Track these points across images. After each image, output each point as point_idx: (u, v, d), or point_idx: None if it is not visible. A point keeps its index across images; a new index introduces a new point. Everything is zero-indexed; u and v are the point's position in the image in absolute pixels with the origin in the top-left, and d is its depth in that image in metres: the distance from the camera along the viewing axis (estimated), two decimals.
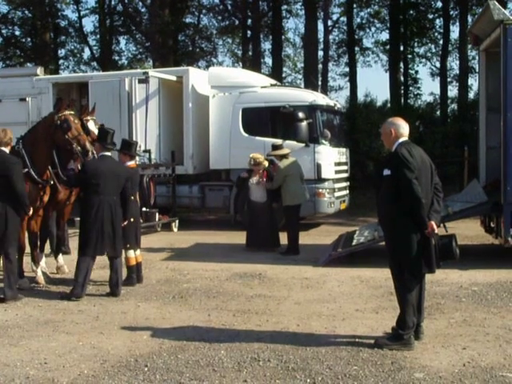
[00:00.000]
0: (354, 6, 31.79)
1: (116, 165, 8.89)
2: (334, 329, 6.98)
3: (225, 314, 7.71)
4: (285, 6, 32.64)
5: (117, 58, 37.17)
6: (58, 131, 8.97)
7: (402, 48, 29.76)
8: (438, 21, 31.12)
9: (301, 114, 14.93)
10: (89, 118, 10.03)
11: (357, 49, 33.49)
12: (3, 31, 36.48)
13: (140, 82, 15.78)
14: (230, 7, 33.34)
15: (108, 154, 8.82)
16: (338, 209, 16.02)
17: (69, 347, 6.45)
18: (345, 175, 16.76)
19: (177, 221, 15.93)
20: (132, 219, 9.12)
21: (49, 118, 9.31)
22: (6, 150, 8.56)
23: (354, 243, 11.28)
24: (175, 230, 15.80)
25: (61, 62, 37.51)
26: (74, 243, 9.50)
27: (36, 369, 5.83)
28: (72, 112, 9.16)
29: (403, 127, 6.34)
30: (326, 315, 7.58)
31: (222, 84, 15.91)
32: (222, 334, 6.85)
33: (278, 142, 13.07)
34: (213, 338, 6.65)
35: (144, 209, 13.86)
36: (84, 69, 37.85)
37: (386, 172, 6.22)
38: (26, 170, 9.09)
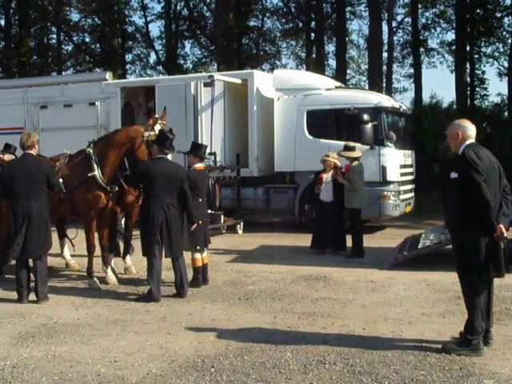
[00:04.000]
0: (419, 6, 31.35)
1: (171, 167, 8.81)
2: (401, 333, 6.92)
3: (290, 316, 7.73)
4: (349, 8, 32.51)
5: (182, 61, 37.69)
6: (145, 147, 9.20)
7: (468, 48, 29.16)
8: (506, 19, 30.39)
9: (366, 116, 14.83)
10: (159, 122, 10.14)
11: (422, 49, 33.01)
12: (74, 38, 37.58)
13: (205, 85, 15.92)
14: (293, 10, 33.43)
15: (165, 156, 8.85)
16: (403, 211, 15.83)
17: (137, 346, 6.58)
18: (410, 178, 16.56)
19: (242, 223, 16.02)
20: (201, 221, 9.21)
21: (129, 132, 9.51)
22: (32, 152, 8.85)
23: (419, 246, 11.15)
24: (240, 232, 15.90)
25: (128, 66, 38.35)
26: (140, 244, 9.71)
27: (106, 367, 5.98)
28: (153, 133, 9.26)
29: (470, 129, 6.24)
30: (392, 319, 7.52)
31: (287, 86, 15.93)
32: (287, 336, 6.86)
33: (351, 143, 12.94)
34: (279, 340, 6.67)
35: (209, 211, 13.97)
36: (150, 73, 38.62)
37: (453, 175, 6.13)
38: (93, 173, 9.33)
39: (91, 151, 9.51)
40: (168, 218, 8.53)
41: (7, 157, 11.97)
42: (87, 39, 38.27)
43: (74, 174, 9.58)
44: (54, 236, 11.34)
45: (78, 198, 9.54)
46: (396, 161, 15.31)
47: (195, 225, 8.93)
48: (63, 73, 36.65)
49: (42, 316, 7.90)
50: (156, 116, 10.16)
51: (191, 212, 8.86)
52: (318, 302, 8.48)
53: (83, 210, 9.62)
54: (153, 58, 38.89)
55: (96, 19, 36.41)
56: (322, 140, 15.16)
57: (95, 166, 9.41)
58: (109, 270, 9.86)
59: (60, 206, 9.71)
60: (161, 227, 8.50)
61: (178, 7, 36.37)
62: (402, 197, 15.58)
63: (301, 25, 33.30)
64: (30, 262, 8.78)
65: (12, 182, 8.54)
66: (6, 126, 18.39)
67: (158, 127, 9.65)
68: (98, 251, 9.88)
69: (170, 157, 9.02)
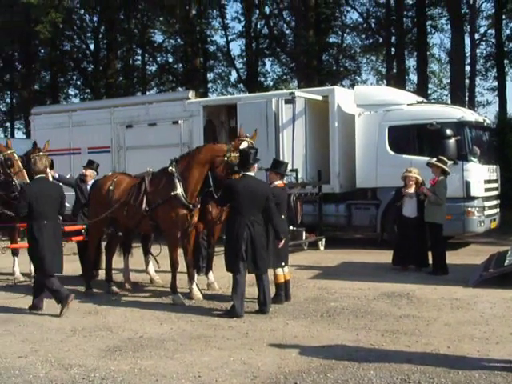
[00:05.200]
0: (503, 17, 30.63)
1: (255, 184, 8.88)
2: (488, 352, 6.77)
3: (373, 333, 7.68)
4: (429, 22, 32.09)
5: (262, 79, 38.12)
6: (223, 167, 9.32)
7: None
8: None
9: (449, 131, 14.58)
10: (246, 140, 10.23)
11: (506, 61, 32.18)
12: (158, 59, 38.59)
13: (286, 102, 16.03)
14: (373, 25, 33.26)
15: (250, 173, 8.95)
16: (488, 228, 15.44)
17: (221, 362, 6.67)
18: (495, 193, 16.15)
19: (323, 239, 15.99)
20: (284, 238, 9.27)
21: (211, 151, 9.63)
22: (45, 175, 9.45)
23: (506, 263, 10.84)
24: (322, 248, 15.86)
25: (209, 85, 38.99)
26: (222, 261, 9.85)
27: (191, 382, 6.09)
28: (234, 154, 9.37)
29: None
30: (479, 338, 7.36)
31: (368, 102, 15.87)
32: (370, 353, 6.82)
33: (444, 158, 12.68)
34: (362, 357, 6.64)
35: (291, 227, 14.02)
36: (231, 91, 39.20)
37: None
38: (176, 192, 9.49)
39: (173, 169, 9.70)
40: (252, 235, 8.60)
41: (89, 172, 12.52)
42: (170, 59, 39.37)
43: (157, 192, 9.79)
44: (139, 252, 11.72)
45: (162, 216, 9.72)
46: (480, 176, 14.98)
47: (283, 241, 8.99)
48: (147, 93, 37.72)
49: (128, 330, 8.12)
50: (247, 135, 10.28)
51: (278, 229, 8.93)
52: (402, 319, 8.39)
53: (166, 227, 9.79)
54: (234, 76, 39.58)
55: (179, 40, 37.37)
56: (404, 156, 15.00)
57: (178, 184, 9.59)
58: (193, 286, 10.01)
59: (143, 223, 9.96)
60: (245, 244, 8.59)
61: (259, 26, 36.90)
62: (487, 212, 15.21)
63: (381, 40, 33.10)
64: None
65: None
66: (93, 145, 19.11)
67: (244, 144, 9.77)
68: (181, 267, 10.06)
69: (253, 172, 9.13)
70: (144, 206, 9.78)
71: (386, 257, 13.12)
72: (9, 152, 11.45)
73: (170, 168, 9.73)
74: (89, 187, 12.18)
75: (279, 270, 9.45)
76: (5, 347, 7.47)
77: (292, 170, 15.04)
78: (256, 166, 9.29)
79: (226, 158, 9.34)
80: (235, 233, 8.63)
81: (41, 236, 8.83)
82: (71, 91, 42.95)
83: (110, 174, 11.57)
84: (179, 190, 9.54)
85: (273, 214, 8.86)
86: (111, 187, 10.31)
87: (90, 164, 12.81)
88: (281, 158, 14.55)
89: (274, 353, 6.95)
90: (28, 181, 11.31)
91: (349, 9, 34.38)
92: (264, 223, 8.82)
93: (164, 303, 9.78)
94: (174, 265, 9.79)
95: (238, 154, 9.31)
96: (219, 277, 10.81)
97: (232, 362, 6.68)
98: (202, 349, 7.19)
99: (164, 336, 7.79)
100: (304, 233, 15.32)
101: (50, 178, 10.81)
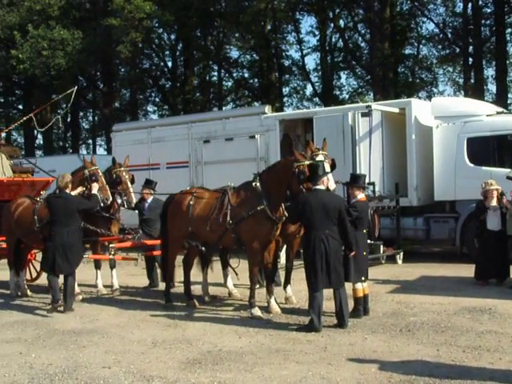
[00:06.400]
0: None
1: (328, 198, 8.89)
2: None
3: (454, 349, 7.55)
4: (509, 30, 31.34)
5: (338, 92, 38.06)
6: (295, 179, 9.31)
7: None
8: None
9: None
10: (319, 153, 10.24)
11: None
12: (234, 74, 39.10)
13: (363, 115, 15.94)
14: (450, 35, 32.73)
15: (320, 187, 8.94)
16: None
17: (299, 376, 6.68)
18: None
19: (401, 253, 15.80)
20: (364, 252, 9.24)
21: (288, 163, 9.61)
22: (67, 191, 10.69)
23: None
24: (400, 262, 15.68)
25: (285, 99, 39.18)
26: (299, 275, 9.88)
27: None
28: (305, 162, 9.36)
29: None
30: None
31: (446, 114, 15.63)
32: (452, 370, 6.70)
33: None
34: (443, 373, 6.54)
35: (368, 241, 13.91)
36: (307, 105, 39.32)
37: None
38: (262, 207, 9.58)
39: (258, 184, 9.78)
40: (327, 249, 8.61)
41: (146, 191, 12.96)
42: (246, 74, 39.81)
43: (242, 206, 9.86)
44: (217, 266, 11.85)
45: (245, 229, 9.77)
46: None
47: (353, 252, 8.96)
48: (224, 108, 38.21)
49: (207, 343, 8.23)
50: (317, 147, 10.30)
51: (350, 241, 8.91)
52: (484, 335, 8.21)
53: (249, 241, 9.81)
54: (309, 89, 39.69)
55: (254, 55, 37.74)
56: (484, 167, 14.70)
57: (263, 198, 9.67)
58: (272, 300, 10.06)
59: (225, 236, 10.08)
60: (320, 258, 8.60)
61: (333, 39, 36.90)
62: None
63: (458, 50, 32.52)
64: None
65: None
66: (172, 160, 19.50)
67: (320, 157, 9.79)
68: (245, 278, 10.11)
69: (332, 184, 9.12)
70: (228, 219, 9.90)
71: (465, 270, 12.89)
72: (93, 168, 11.84)
73: (255, 183, 9.80)
74: (146, 205, 12.64)
75: (358, 285, 9.41)
76: (89, 357, 7.72)
77: (369, 184, 14.91)
78: (327, 179, 9.24)
79: (294, 169, 9.32)
80: (311, 247, 8.66)
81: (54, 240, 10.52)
82: (150, 108, 44.19)
83: (187, 188, 11.79)
84: (265, 203, 9.61)
85: (347, 227, 8.85)
86: (191, 202, 10.48)
87: (149, 184, 13.25)
88: (358, 172, 14.49)
89: (353, 368, 6.92)
90: (110, 197, 11.72)
91: (424, 19, 33.97)
92: (340, 237, 8.82)
93: (242, 317, 9.85)
94: (253, 279, 9.86)
95: (306, 163, 9.29)
96: (297, 290, 10.84)
97: (311, 376, 6.68)
98: (281, 363, 7.22)
99: (243, 349, 7.86)
100: (382, 246, 15.18)
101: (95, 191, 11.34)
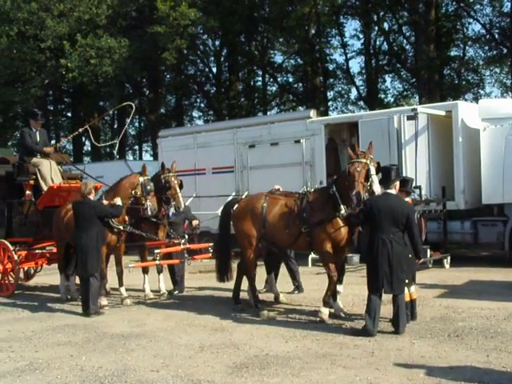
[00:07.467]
0: None
1: (395, 202, 8.85)
2: None
3: (505, 355, 7.43)
4: None
5: (383, 95, 37.79)
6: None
7: None
8: None
9: None
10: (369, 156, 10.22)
11: None
12: (278, 79, 39.15)
13: (408, 118, 15.86)
14: (497, 36, 32.23)
15: (391, 191, 8.93)
16: None
17: (347, 381, 6.67)
18: None
19: (448, 257, 15.63)
20: (411, 256, 9.21)
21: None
22: (91, 197, 11.16)
23: None
24: (447, 266, 15.51)
25: (330, 103, 39.03)
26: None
27: None
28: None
29: None
30: None
31: (493, 116, 15.43)
32: (503, 376, 6.61)
33: None
34: (493, 380, 6.45)
35: None
36: (351, 108, 39.14)
37: None
38: (341, 212, 9.58)
39: (335, 189, 9.75)
40: (390, 254, 8.56)
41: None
42: (290, 79, 39.80)
43: (317, 211, 9.84)
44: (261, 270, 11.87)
45: (320, 234, 9.75)
46: None
47: (422, 260, 8.89)
48: (268, 113, 38.30)
49: (254, 347, 8.26)
50: (363, 151, 10.27)
51: (419, 248, 8.91)
52: None
53: (322, 245, 9.77)
54: (354, 93, 39.49)
55: (298, 60, 37.74)
56: None
57: (341, 204, 9.65)
58: (337, 303, 10.01)
59: (300, 240, 10.10)
60: (383, 261, 8.56)
61: (378, 42, 36.67)
62: None
63: (505, 51, 32.01)
64: None
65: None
66: (218, 165, 19.64)
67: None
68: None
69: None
70: (304, 223, 9.91)
71: None
72: (146, 178, 12.01)
73: (332, 190, 9.76)
74: (171, 209, 12.83)
75: (405, 289, 9.33)
76: (138, 361, 7.82)
77: (415, 187, 14.82)
78: (398, 183, 9.21)
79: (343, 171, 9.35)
80: (374, 251, 8.64)
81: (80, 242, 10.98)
82: (195, 113, 44.55)
83: (232, 194, 11.88)
84: (344, 209, 9.59)
85: (414, 233, 8.81)
86: (264, 204, 10.52)
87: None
88: (404, 175, 14.38)
89: (400, 373, 6.87)
90: (156, 206, 11.90)
91: (470, 20, 33.50)
92: (403, 242, 8.77)
93: (289, 321, 9.86)
94: (332, 278, 9.73)
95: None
96: (343, 295, 10.78)
97: (358, 381, 6.66)
98: (328, 367, 7.21)
99: (290, 354, 7.86)
100: (429, 251, 15.03)
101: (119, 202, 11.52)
